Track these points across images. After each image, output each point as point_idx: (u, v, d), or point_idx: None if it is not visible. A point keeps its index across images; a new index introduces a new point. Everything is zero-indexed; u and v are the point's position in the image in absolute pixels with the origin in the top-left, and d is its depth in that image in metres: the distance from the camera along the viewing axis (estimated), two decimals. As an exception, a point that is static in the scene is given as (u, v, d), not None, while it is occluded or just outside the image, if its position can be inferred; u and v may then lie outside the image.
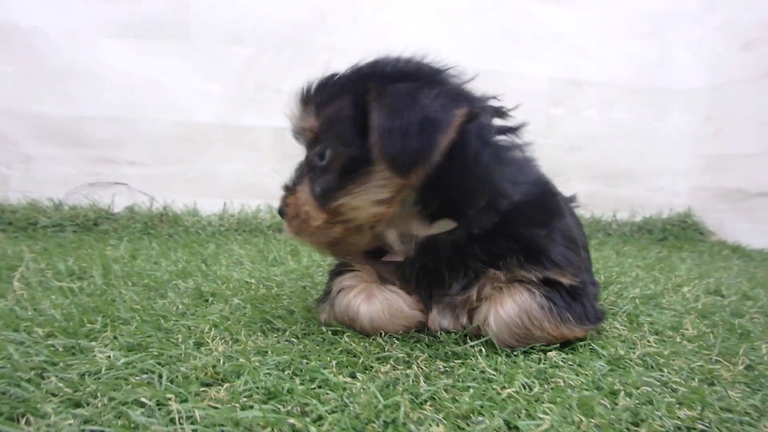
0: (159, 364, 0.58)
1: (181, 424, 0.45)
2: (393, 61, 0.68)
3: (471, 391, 0.55)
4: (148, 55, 1.84)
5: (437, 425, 0.47)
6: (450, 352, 0.67)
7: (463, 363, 0.63)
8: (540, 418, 0.50)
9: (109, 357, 0.59)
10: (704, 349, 0.73)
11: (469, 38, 2.05)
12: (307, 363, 0.60)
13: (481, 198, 0.67)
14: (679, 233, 2.21)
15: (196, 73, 1.88)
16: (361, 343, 0.68)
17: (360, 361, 0.62)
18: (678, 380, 0.61)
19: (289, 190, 0.72)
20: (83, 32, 1.78)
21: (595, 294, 0.81)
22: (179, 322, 0.75)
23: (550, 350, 0.68)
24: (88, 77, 1.80)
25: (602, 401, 0.53)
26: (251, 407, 0.48)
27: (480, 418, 0.49)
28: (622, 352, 0.69)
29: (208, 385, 0.54)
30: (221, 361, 0.59)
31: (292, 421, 0.46)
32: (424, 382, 0.57)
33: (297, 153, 0.75)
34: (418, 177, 0.60)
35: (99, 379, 0.54)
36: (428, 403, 0.53)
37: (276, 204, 0.76)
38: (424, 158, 0.58)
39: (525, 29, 2.10)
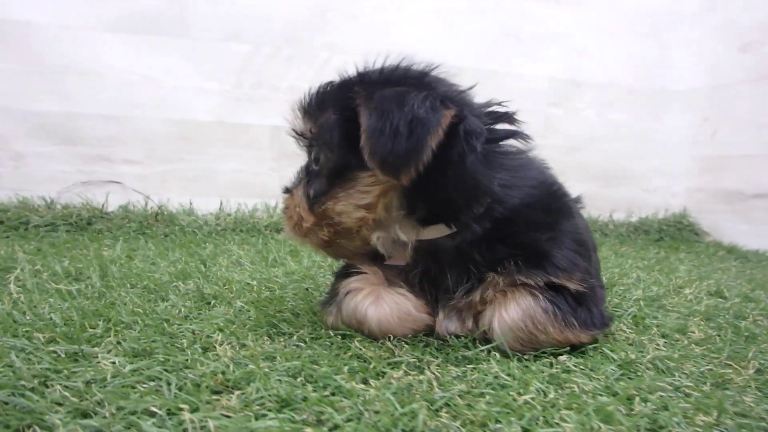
0: (166, 370, 0.56)
1: (194, 434, 0.44)
2: (379, 69, 0.70)
3: (487, 397, 0.54)
4: (145, 53, 1.80)
5: (456, 433, 0.47)
6: (461, 357, 0.67)
7: (475, 368, 0.63)
8: (558, 425, 0.49)
9: (114, 363, 0.58)
10: (712, 352, 0.73)
11: (469, 38, 2.04)
12: (318, 369, 0.58)
13: (473, 203, 0.67)
14: (675, 234, 2.22)
15: (193, 70, 1.86)
16: (371, 348, 0.67)
17: (372, 367, 0.61)
18: (690, 384, 0.61)
19: (289, 191, 0.77)
20: (79, 28, 1.74)
21: (602, 297, 0.81)
22: (183, 326, 0.73)
23: (561, 354, 0.68)
24: (84, 74, 1.76)
25: (619, 408, 0.53)
26: (265, 416, 0.47)
27: (498, 425, 0.49)
28: (632, 356, 0.68)
29: (218, 392, 0.53)
30: (230, 367, 0.57)
31: (308, 430, 0.45)
32: (438, 388, 0.56)
33: (295, 152, 0.78)
34: (409, 177, 0.61)
35: (105, 387, 0.52)
36: (444, 409, 0.52)
37: (273, 203, 0.80)
38: (414, 158, 0.59)
39: (525, 29, 2.10)
